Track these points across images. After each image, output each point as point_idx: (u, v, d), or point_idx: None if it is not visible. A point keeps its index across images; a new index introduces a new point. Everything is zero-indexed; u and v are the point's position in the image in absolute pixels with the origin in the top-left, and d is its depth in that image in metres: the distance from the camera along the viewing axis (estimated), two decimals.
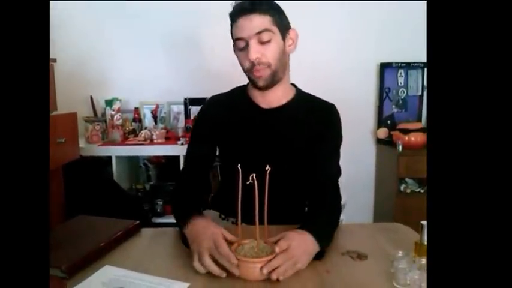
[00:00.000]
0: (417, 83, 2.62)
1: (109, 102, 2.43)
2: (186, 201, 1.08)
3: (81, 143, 2.19)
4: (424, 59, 2.34)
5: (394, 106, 2.63)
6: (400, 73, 2.60)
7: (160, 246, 0.99)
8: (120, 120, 2.42)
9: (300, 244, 0.85)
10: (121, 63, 2.56)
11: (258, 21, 1.01)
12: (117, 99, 2.45)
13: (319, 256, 0.89)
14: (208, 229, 0.88)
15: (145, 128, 2.46)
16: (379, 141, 2.65)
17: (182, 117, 2.51)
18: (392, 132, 2.50)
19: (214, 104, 1.20)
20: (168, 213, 2.36)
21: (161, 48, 2.56)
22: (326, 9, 2.52)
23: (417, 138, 2.36)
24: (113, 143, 2.33)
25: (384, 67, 2.58)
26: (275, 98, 1.13)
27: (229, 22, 1.07)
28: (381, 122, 2.64)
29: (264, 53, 1.03)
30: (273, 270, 0.79)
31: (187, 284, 0.79)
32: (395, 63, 2.56)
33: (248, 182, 0.79)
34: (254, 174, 0.78)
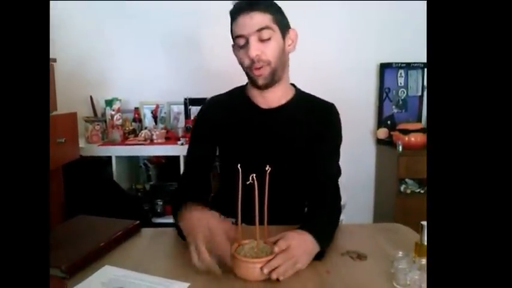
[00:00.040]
0: (417, 84, 2.62)
1: (109, 102, 2.43)
2: (185, 199, 1.07)
3: (81, 143, 2.19)
4: (424, 60, 2.34)
5: (394, 106, 2.63)
6: (400, 73, 2.60)
7: (160, 246, 0.99)
8: (120, 120, 2.42)
9: (300, 244, 0.85)
10: (121, 63, 2.56)
11: (258, 19, 1.01)
12: (117, 99, 2.45)
13: (319, 256, 0.89)
14: (203, 220, 0.86)
15: (145, 128, 2.46)
16: (379, 142, 2.65)
17: (182, 117, 2.51)
18: (392, 133, 2.50)
19: (213, 105, 1.20)
20: (168, 213, 2.36)
21: (161, 48, 2.56)
22: (326, 9, 2.52)
23: (417, 138, 2.36)
24: (113, 143, 2.33)
25: (384, 67, 2.58)
26: (275, 98, 1.12)
27: (229, 22, 1.06)
28: (380, 122, 2.64)
29: (264, 51, 1.02)
30: (273, 270, 0.78)
31: (187, 284, 0.79)
32: (396, 63, 2.56)
33: (248, 182, 0.79)
34: (254, 175, 0.78)
